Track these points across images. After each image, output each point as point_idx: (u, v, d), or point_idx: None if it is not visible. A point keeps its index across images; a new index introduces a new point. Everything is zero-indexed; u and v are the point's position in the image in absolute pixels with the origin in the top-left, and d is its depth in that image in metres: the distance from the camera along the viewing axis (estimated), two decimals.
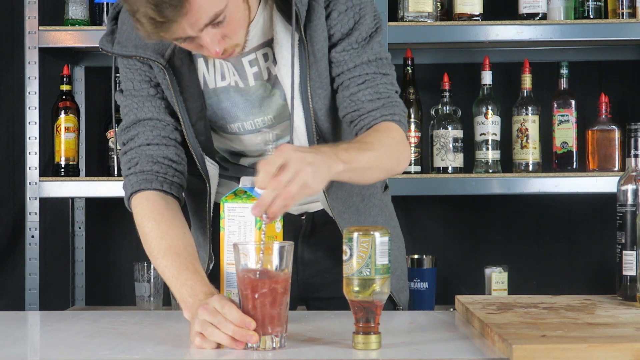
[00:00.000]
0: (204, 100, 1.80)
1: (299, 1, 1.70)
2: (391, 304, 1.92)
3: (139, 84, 1.81)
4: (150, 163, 1.78)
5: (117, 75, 1.85)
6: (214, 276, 1.74)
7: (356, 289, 1.43)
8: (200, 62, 1.79)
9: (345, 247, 1.44)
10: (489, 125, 2.91)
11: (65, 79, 2.99)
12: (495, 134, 2.92)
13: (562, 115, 2.93)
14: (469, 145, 2.94)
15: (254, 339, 1.43)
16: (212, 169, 1.82)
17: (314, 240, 1.92)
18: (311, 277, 1.93)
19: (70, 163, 2.97)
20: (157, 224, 1.72)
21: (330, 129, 1.80)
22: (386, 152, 1.69)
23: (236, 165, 1.90)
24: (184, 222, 1.75)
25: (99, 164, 3.16)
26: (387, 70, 1.79)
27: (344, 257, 1.45)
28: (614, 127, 2.92)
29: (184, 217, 1.78)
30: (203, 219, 1.86)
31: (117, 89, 1.86)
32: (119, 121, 3.05)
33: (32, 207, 2.87)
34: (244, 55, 1.76)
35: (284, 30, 1.74)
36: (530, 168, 2.90)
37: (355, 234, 1.43)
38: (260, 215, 1.47)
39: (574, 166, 2.92)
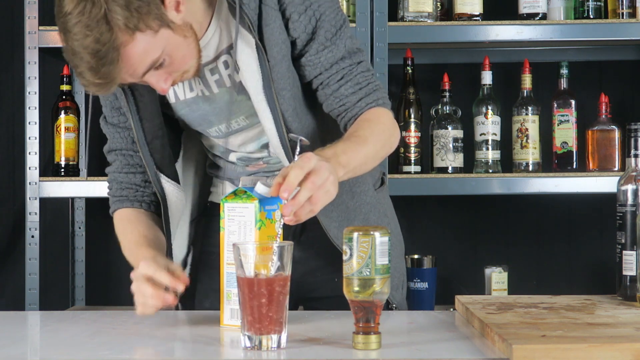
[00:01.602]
0: (161, 120, 1.87)
1: (247, 7, 1.73)
2: (385, 304, 1.92)
3: (110, 112, 1.92)
4: (120, 189, 1.96)
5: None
6: (193, 266, 1.95)
7: (356, 289, 1.43)
8: None
9: (345, 247, 1.44)
10: (489, 125, 2.91)
11: (65, 79, 2.99)
12: (495, 134, 2.92)
13: (562, 115, 2.93)
14: (469, 145, 2.94)
15: (171, 299, 1.61)
16: (168, 186, 1.88)
17: (304, 238, 1.93)
18: (302, 276, 1.92)
19: (70, 163, 2.97)
20: (124, 224, 1.94)
21: (299, 128, 1.82)
22: (380, 141, 1.76)
23: (228, 163, 1.94)
24: (150, 221, 1.92)
25: (99, 164, 3.16)
26: (360, 57, 1.84)
27: (344, 257, 1.45)
28: (614, 127, 2.92)
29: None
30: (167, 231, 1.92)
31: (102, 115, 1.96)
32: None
33: (32, 207, 2.87)
34: (205, 64, 1.80)
35: (242, 36, 1.77)
36: (530, 168, 2.90)
37: (355, 234, 1.43)
38: (289, 214, 1.51)
39: (574, 166, 2.92)
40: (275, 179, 1.52)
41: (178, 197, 1.89)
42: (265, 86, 1.76)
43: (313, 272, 1.93)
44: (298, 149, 1.60)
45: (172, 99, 1.87)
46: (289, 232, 1.91)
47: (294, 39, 1.79)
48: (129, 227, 1.92)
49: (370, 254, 1.43)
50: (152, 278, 1.63)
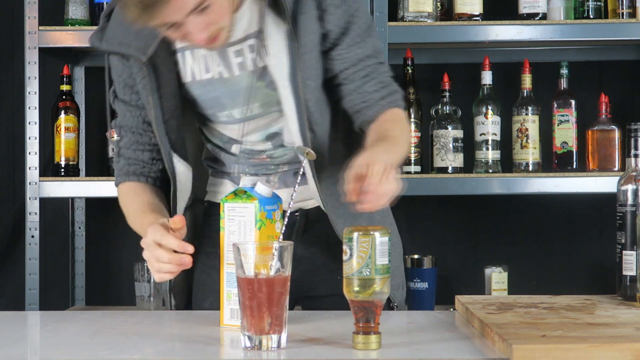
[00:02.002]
0: (178, 99, 1.87)
1: None
2: (386, 302, 1.92)
3: (122, 89, 1.91)
4: (127, 165, 1.95)
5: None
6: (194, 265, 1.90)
7: (356, 289, 1.43)
8: (187, 55, 1.85)
9: (345, 247, 1.44)
10: (489, 125, 2.91)
11: (65, 79, 2.99)
12: (495, 134, 2.92)
13: (562, 115, 2.93)
14: (469, 145, 2.94)
15: (187, 260, 1.61)
16: (179, 167, 1.88)
17: (307, 237, 1.93)
18: (304, 274, 1.92)
19: (70, 163, 2.97)
20: (129, 195, 1.94)
21: (320, 120, 1.84)
22: (406, 143, 1.84)
23: (228, 155, 1.94)
24: (155, 192, 1.92)
25: (99, 164, 3.16)
26: (383, 58, 1.90)
27: (344, 257, 1.44)
28: (614, 127, 2.92)
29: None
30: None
31: (111, 88, 1.96)
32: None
33: (32, 207, 2.87)
34: (230, 45, 1.81)
35: (273, 22, 1.79)
36: (530, 168, 2.90)
37: (355, 234, 1.43)
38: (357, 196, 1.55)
39: (574, 166, 2.92)
40: (349, 178, 1.56)
41: (187, 179, 1.90)
42: (291, 73, 1.78)
43: (315, 270, 1.93)
44: (305, 161, 1.60)
45: (188, 77, 1.86)
46: (292, 230, 1.91)
47: (326, 31, 1.81)
48: (134, 197, 1.92)
49: (370, 254, 1.43)
50: (162, 243, 1.64)
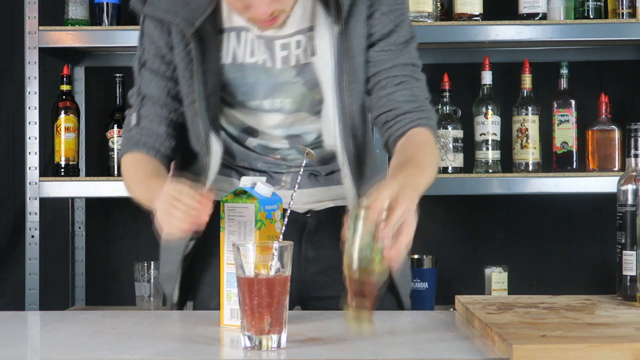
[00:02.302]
0: (221, 77, 1.82)
1: None
2: (393, 299, 1.91)
3: (152, 57, 1.85)
4: (140, 134, 1.85)
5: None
6: (194, 255, 1.89)
7: (355, 266, 1.43)
8: (232, 37, 1.82)
9: (349, 223, 1.44)
10: (489, 125, 2.91)
11: (65, 79, 2.99)
12: (495, 134, 2.92)
13: (562, 115, 2.93)
14: (469, 145, 2.94)
15: (204, 218, 1.55)
16: (215, 145, 1.83)
17: (318, 237, 1.92)
18: (314, 275, 1.92)
19: (70, 163, 2.97)
20: (135, 163, 1.84)
21: (361, 126, 1.82)
22: (434, 168, 1.72)
23: (241, 148, 1.91)
24: (163, 167, 1.85)
25: (99, 164, 3.16)
26: (420, 76, 1.84)
27: (347, 234, 1.44)
28: (614, 127, 2.92)
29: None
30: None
31: (137, 55, 1.89)
32: (118, 121, 3.05)
33: (32, 207, 2.87)
34: (278, 38, 1.79)
35: (325, 22, 1.77)
36: (530, 168, 2.90)
37: (363, 212, 1.43)
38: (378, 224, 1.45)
39: (574, 166, 2.92)
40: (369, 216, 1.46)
41: (218, 159, 1.84)
42: (337, 75, 1.77)
43: (325, 271, 1.92)
44: (304, 162, 1.60)
45: (228, 59, 1.83)
46: (303, 231, 1.91)
47: (369, 34, 1.79)
48: (140, 165, 1.84)
49: (373, 234, 1.42)
50: (179, 199, 1.57)
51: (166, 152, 1.86)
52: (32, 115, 2.89)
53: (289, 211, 1.60)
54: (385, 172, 1.92)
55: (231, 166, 1.93)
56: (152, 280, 2.93)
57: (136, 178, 1.81)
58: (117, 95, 3.03)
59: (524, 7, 2.88)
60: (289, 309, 1.48)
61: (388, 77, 1.80)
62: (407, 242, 1.47)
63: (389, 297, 1.91)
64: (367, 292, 1.43)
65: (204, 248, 1.91)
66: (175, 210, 1.57)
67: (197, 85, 1.79)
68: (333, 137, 1.81)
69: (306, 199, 1.91)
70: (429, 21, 2.85)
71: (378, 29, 1.79)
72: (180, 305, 1.95)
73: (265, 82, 1.83)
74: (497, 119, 2.93)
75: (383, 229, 1.44)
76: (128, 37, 2.87)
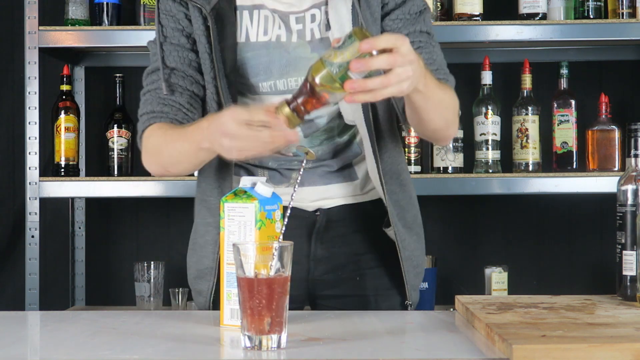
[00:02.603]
0: (237, 54, 1.82)
1: None
2: (401, 299, 1.90)
3: (171, 31, 1.84)
4: (161, 105, 1.81)
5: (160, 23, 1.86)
6: None
7: (320, 74, 1.47)
8: (245, 15, 1.82)
9: (344, 36, 1.47)
10: (489, 125, 2.91)
11: (65, 79, 3.00)
12: (495, 134, 2.92)
13: (562, 115, 2.93)
14: (469, 145, 2.94)
15: (292, 135, 1.54)
16: None
17: (327, 236, 1.91)
18: (323, 274, 1.91)
19: (70, 163, 2.97)
20: (163, 129, 1.78)
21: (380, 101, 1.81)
22: (452, 102, 1.77)
23: None
24: None
25: (99, 164, 3.16)
26: (436, 45, 1.85)
27: (335, 44, 1.47)
28: (614, 127, 2.92)
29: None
30: (226, 188, 1.83)
31: (154, 39, 1.87)
32: (118, 121, 3.04)
33: (32, 207, 2.87)
34: (293, 13, 1.80)
35: None
36: (530, 168, 2.90)
37: (360, 35, 1.45)
38: (356, 70, 1.46)
39: (574, 166, 2.92)
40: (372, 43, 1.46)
41: None
42: None
43: (335, 270, 1.91)
44: (304, 162, 1.59)
45: (242, 37, 1.83)
46: (312, 229, 1.90)
47: (383, 5, 1.80)
48: (169, 129, 1.77)
49: (349, 60, 1.46)
50: (251, 121, 1.54)
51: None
52: (32, 115, 2.89)
53: (289, 211, 1.60)
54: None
55: (241, 164, 1.91)
56: (152, 280, 2.93)
57: (169, 138, 1.75)
58: (117, 95, 3.03)
59: (524, 7, 2.88)
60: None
61: None
62: (386, 86, 1.48)
63: (391, 299, 1.91)
64: (310, 102, 1.48)
65: None
66: (258, 132, 1.54)
67: (216, 63, 1.79)
68: (352, 111, 1.80)
69: (317, 195, 1.90)
70: None
71: None
72: (215, 305, 1.90)
73: (279, 60, 1.81)
74: (497, 119, 2.93)
75: (360, 60, 1.46)
76: (128, 37, 2.87)
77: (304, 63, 1.79)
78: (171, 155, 1.76)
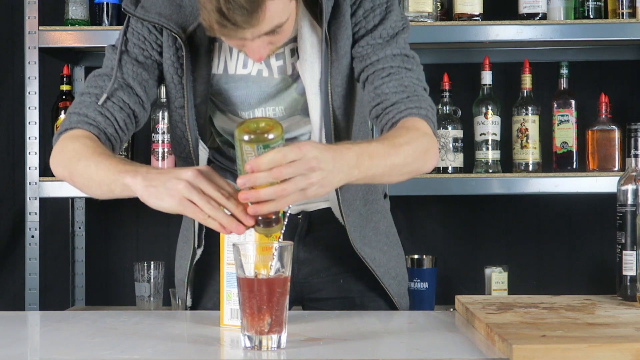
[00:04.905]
0: (211, 86, 1.80)
1: None
2: (390, 308, 1.91)
3: (132, 47, 1.79)
4: (96, 112, 1.74)
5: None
6: (203, 262, 1.87)
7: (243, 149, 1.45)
8: (225, 47, 1.79)
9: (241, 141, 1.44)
10: (489, 125, 2.91)
11: (65, 79, 3.00)
12: (495, 134, 2.92)
13: (562, 115, 2.93)
14: (469, 145, 2.94)
15: (241, 228, 1.48)
16: (202, 152, 1.82)
17: (310, 239, 1.92)
18: (307, 276, 1.92)
19: None
20: (83, 144, 1.68)
21: (346, 128, 1.80)
22: (412, 155, 1.61)
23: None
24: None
25: None
26: (412, 66, 1.77)
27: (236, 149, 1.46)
28: (614, 127, 2.92)
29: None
30: None
31: (115, 44, 1.82)
32: None
33: (32, 207, 2.87)
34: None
35: (308, 26, 1.75)
36: (530, 168, 2.90)
37: (246, 137, 1.42)
38: (243, 187, 1.43)
39: (574, 166, 2.92)
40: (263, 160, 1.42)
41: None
42: (322, 80, 1.74)
43: (318, 272, 1.92)
44: (288, 213, 1.55)
45: (220, 69, 1.80)
46: (294, 232, 1.91)
47: (354, 33, 1.76)
48: (95, 144, 1.68)
49: (243, 159, 1.45)
50: (212, 193, 1.48)
51: (115, 144, 1.76)
52: (32, 115, 2.89)
53: (289, 212, 1.60)
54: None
55: (226, 168, 1.92)
56: (152, 280, 2.93)
57: (101, 158, 1.63)
58: None
59: (524, 7, 2.88)
60: (290, 309, 1.48)
61: (376, 70, 1.74)
62: (282, 195, 1.41)
63: (378, 300, 1.91)
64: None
65: (213, 256, 1.91)
66: (224, 199, 1.48)
67: (186, 92, 1.76)
68: (318, 139, 1.78)
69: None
70: (428, 21, 2.85)
71: (362, 25, 1.76)
72: (195, 308, 1.94)
73: (258, 94, 1.80)
74: (497, 119, 2.93)
75: (246, 176, 1.42)
76: None
77: (282, 94, 1.80)
78: (85, 174, 1.65)
